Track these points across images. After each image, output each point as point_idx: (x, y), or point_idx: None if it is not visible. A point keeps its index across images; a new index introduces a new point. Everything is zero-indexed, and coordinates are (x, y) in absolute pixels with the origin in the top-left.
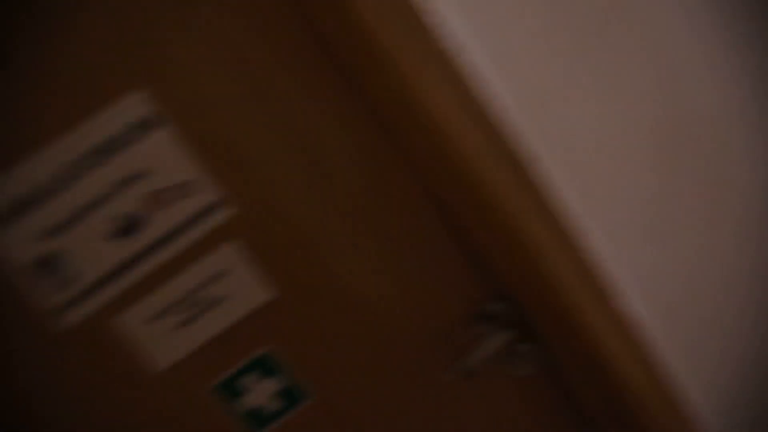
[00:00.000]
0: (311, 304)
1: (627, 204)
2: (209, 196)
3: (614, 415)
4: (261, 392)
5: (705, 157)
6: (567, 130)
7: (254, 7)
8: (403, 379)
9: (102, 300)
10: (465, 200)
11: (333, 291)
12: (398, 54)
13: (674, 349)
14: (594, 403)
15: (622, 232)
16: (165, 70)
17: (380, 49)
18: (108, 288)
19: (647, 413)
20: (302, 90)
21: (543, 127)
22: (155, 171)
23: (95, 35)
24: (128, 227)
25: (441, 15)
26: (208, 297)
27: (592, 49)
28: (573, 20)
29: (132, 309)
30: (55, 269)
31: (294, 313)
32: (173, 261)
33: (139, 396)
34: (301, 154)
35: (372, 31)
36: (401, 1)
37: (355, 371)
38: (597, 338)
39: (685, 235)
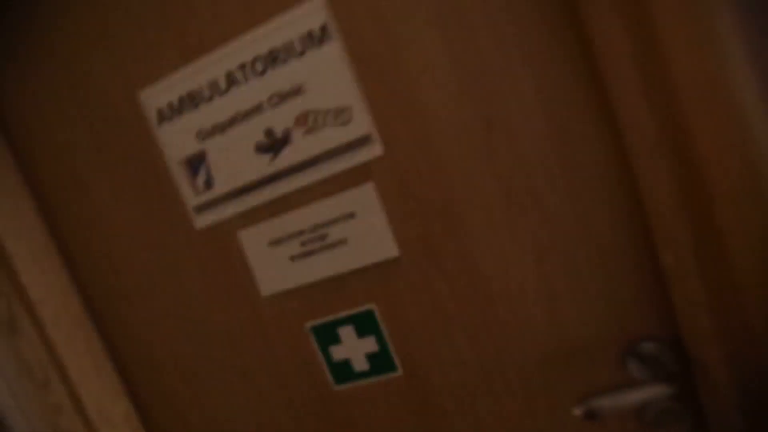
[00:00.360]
0: (436, 278)
1: None
2: (362, 129)
3: None
4: (353, 347)
5: None
6: None
7: None
8: (516, 393)
9: (231, 211)
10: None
11: (466, 271)
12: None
13: None
14: None
15: None
16: None
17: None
18: (239, 201)
19: None
20: (502, 40)
21: None
22: (315, 90)
23: None
24: (274, 144)
25: None
26: (333, 236)
27: None
28: None
29: (255, 228)
30: (197, 172)
31: (414, 280)
32: (308, 189)
33: (241, 314)
34: (478, 110)
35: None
36: None
37: (461, 364)
38: None
39: None
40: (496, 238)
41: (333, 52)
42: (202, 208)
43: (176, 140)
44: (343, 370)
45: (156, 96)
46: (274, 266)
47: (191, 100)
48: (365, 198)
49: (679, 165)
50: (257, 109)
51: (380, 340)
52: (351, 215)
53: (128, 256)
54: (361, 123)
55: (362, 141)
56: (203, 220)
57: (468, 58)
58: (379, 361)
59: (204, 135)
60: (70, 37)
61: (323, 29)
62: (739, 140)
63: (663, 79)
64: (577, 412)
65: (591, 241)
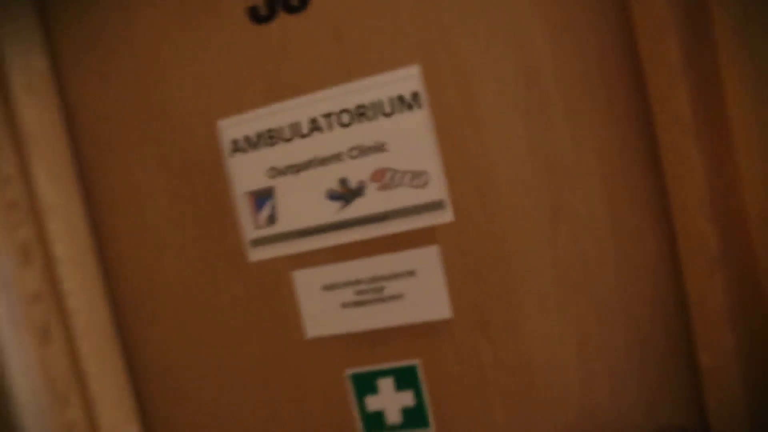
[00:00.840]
0: (482, 344)
1: None
2: (437, 195)
3: None
4: (390, 400)
5: None
6: None
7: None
8: None
9: (289, 250)
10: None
11: (512, 343)
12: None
13: None
14: None
15: None
16: (436, 49)
17: None
18: (300, 241)
19: None
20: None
21: None
22: (396, 149)
23: None
24: (346, 193)
25: None
26: (389, 290)
27: None
28: None
29: (312, 270)
30: (262, 206)
31: (461, 343)
32: (373, 242)
33: (280, 353)
34: (547, 196)
35: None
36: None
37: (493, 429)
38: None
39: None
40: (544, 318)
41: (420, 118)
42: (259, 243)
43: (246, 173)
44: (375, 422)
45: (234, 127)
46: (324, 310)
47: (269, 138)
48: (428, 259)
49: (736, 281)
50: (335, 158)
51: (418, 395)
52: (411, 273)
53: (170, 278)
54: (437, 189)
55: (435, 205)
56: (258, 254)
57: (544, 146)
58: (413, 416)
59: (276, 173)
60: (157, 54)
61: (414, 95)
62: None
63: (731, 194)
64: None
65: (632, 332)
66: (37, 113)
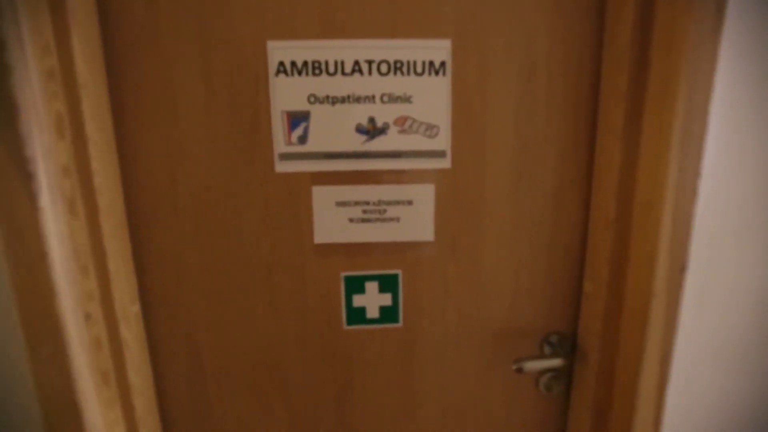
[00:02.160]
0: (450, 262)
1: None
2: (442, 146)
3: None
4: (372, 299)
5: None
6: None
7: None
8: (477, 352)
9: (313, 168)
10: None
11: (472, 264)
12: None
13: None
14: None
15: None
16: (466, 31)
17: None
18: (324, 162)
19: None
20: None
21: None
22: (419, 103)
23: None
24: (372, 130)
25: None
26: (390, 213)
27: None
28: None
29: (330, 187)
30: (296, 127)
31: (435, 260)
32: (385, 173)
33: (288, 252)
34: (515, 163)
35: None
36: None
37: (445, 326)
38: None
39: None
40: (497, 248)
41: (442, 83)
42: (287, 157)
43: (287, 94)
44: (357, 315)
45: (283, 50)
46: (333, 222)
47: (315, 68)
48: (425, 193)
49: (617, 238)
50: (369, 99)
51: (395, 297)
52: (410, 202)
53: (193, 175)
54: (443, 141)
55: (438, 153)
56: (284, 167)
57: (523, 126)
58: (388, 313)
59: (314, 100)
60: None
61: (442, 64)
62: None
63: (631, 184)
64: (514, 367)
65: (548, 265)
66: None
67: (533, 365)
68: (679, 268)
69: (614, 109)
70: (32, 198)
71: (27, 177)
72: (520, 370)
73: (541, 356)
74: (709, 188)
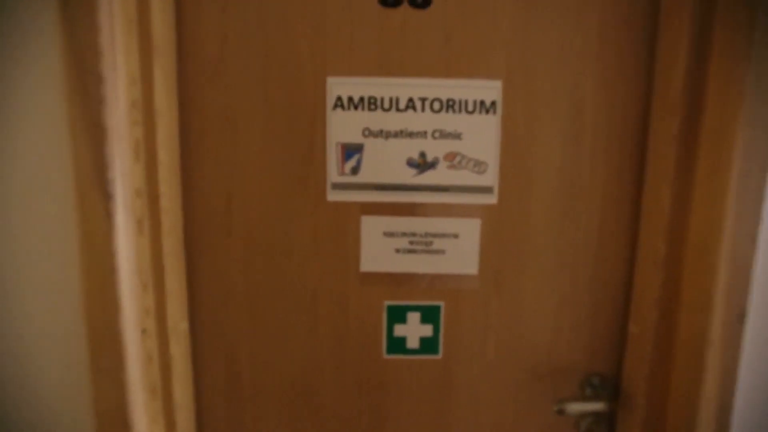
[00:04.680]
0: (493, 297)
1: None
2: (489, 182)
3: None
4: (413, 329)
5: None
6: None
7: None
8: (516, 390)
9: (363, 198)
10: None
11: (514, 302)
12: None
13: None
14: None
15: None
16: (516, 73)
17: None
18: (375, 193)
19: None
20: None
21: None
22: (468, 140)
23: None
24: (422, 164)
25: None
26: (436, 245)
27: None
28: None
29: (379, 217)
30: (349, 158)
31: (477, 294)
32: (433, 206)
33: (333, 279)
34: (563, 206)
35: None
36: None
37: (485, 362)
38: None
39: None
40: (539, 285)
41: (492, 122)
42: (339, 187)
43: (343, 127)
44: (397, 344)
45: (342, 86)
46: (379, 251)
47: (371, 103)
48: (471, 228)
49: (667, 279)
50: (420, 134)
51: (436, 329)
52: (456, 235)
53: (249, 202)
54: (490, 177)
55: (486, 189)
56: (336, 196)
57: (569, 165)
58: (428, 344)
59: (368, 133)
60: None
61: (493, 103)
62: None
63: (682, 229)
64: (555, 408)
65: (591, 304)
66: (162, 22)
67: (576, 408)
68: (737, 316)
69: (665, 152)
70: (109, 216)
71: (107, 197)
72: (561, 412)
73: (585, 398)
74: None
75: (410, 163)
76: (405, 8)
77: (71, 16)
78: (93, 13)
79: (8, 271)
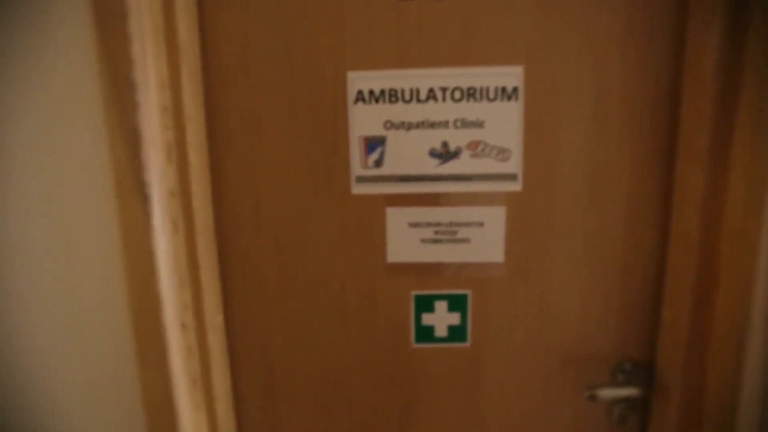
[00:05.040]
0: (519, 285)
1: None
2: (513, 169)
3: None
4: (441, 318)
5: None
6: None
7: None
8: (543, 378)
9: (388, 190)
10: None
11: (541, 287)
12: None
13: None
14: None
15: None
16: (537, 58)
17: None
18: (399, 184)
19: None
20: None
21: None
22: (491, 128)
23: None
24: (445, 154)
25: None
26: (461, 234)
27: None
28: None
29: (403, 208)
30: (372, 151)
31: (504, 281)
32: (457, 195)
33: (361, 270)
34: (586, 189)
35: None
36: None
37: (514, 349)
38: None
39: None
40: (567, 272)
41: (514, 108)
42: (363, 180)
43: (365, 120)
44: (425, 333)
45: (362, 80)
46: (405, 242)
47: (391, 96)
48: (496, 215)
49: (702, 264)
50: (443, 124)
51: (463, 317)
52: (481, 224)
53: (276, 198)
54: (514, 164)
55: (510, 177)
56: (361, 189)
57: (595, 151)
58: (456, 333)
59: (390, 126)
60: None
61: (514, 89)
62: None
63: (716, 213)
64: (587, 393)
65: (621, 290)
66: (186, 28)
67: (608, 393)
68: None
69: (697, 134)
70: (147, 217)
71: (144, 199)
72: (593, 398)
73: (617, 384)
74: None
75: (433, 153)
76: (421, 0)
77: (104, 28)
78: (124, 24)
79: (58, 273)
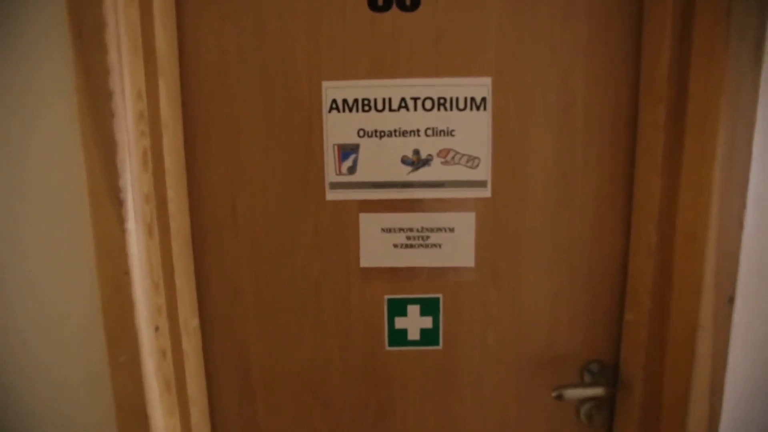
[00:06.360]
0: (490, 288)
1: None
2: (482, 176)
3: None
4: (413, 321)
5: None
6: None
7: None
8: (515, 378)
9: (361, 197)
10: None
11: (512, 290)
12: None
13: None
14: None
15: None
16: (506, 69)
17: None
18: (371, 191)
19: None
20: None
21: None
22: (461, 136)
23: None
24: (417, 161)
25: None
26: (432, 239)
27: None
28: None
29: (376, 214)
30: (346, 158)
31: (475, 285)
32: (428, 201)
33: (336, 275)
34: (555, 197)
35: None
36: None
37: (485, 351)
38: None
39: None
40: (536, 275)
41: (483, 118)
42: (337, 186)
43: (339, 128)
44: (398, 337)
45: (337, 89)
46: (378, 247)
47: (364, 105)
48: (466, 221)
49: (659, 267)
50: (414, 133)
51: (436, 321)
52: (451, 229)
53: (250, 200)
54: (483, 171)
55: (479, 183)
56: (335, 195)
57: (562, 158)
58: (429, 336)
59: (363, 134)
60: (279, 12)
61: (483, 100)
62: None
63: (671, 215)
64: (554, 393)
65: (587, 293)
66: (164, 38)
67: (574, 393)
68: (726, 299)
69: (653, 141)
70: (121, 221)
71: (119, 203)
72: (560, 397)
73: (583, 384)
74: (757, 217)
75: (405, 160)
76: (394, 11)
77: (81, 37)
78: (101, 34)
79: (31, 276)
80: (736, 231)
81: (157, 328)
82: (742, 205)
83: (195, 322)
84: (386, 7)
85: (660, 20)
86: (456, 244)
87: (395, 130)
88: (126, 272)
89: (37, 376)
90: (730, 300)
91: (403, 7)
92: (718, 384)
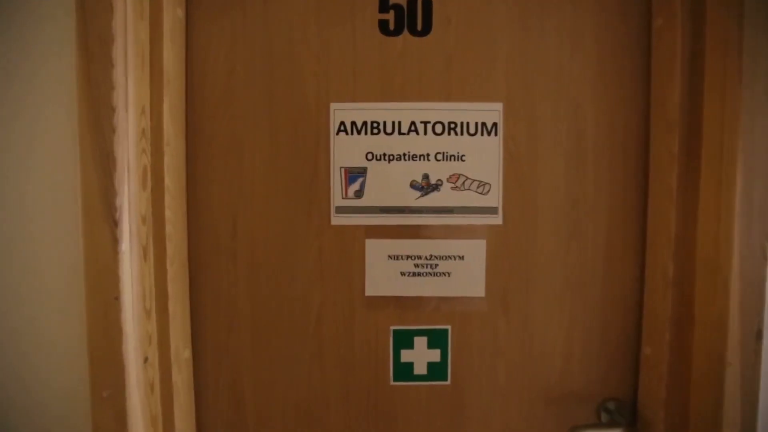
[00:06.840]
0: (501, 320)
1: None
2: (493, 203)
3: None
4: (420, 354)
5: None
6: None
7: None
8: (527, 417)
9: (368, 222)
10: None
11: (522, 323)
12: None
13: None
14: None
15: None
16: (516, 95)
17: None
18: (378, 216)
19: None
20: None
21: None
22: (471, 162)
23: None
24: (426, 186)
25: None
26: (441, 268)
27: None
28: None
29: (383, 240)
30: (353, 181)
31: (485, 317)
32: (437, 228)
33: (339, 303)
34: (567, 225)
35: None
36: None
37: (495, 386)
38: None
39: None
40: (548, 307)
41: (494, 143)
42: (343, 210)
43: (346, 151)
44: (404, 371)
45: (346, 112)
46: (384, 275)
47: (373, 127)
48: (476, 249)
49: (677, 300)
50: (423, 157)
51: (444, 354)
52: (461, 257)
53: (251, 223)
54: (494, 198)
55: (490, 210)
56: (341, 220)
57: (574, 186)
58: (436, 370)
59: (372, 157)
60: (290, 33)
61: (494, 125)
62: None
63: (688, 245)
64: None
65: (602, 326)
66: (173, 55)
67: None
68: (754, 333)
69: (666, 170)
70: (115, 243)
71: (114, 223)
72: None
73: (599, 424)
74: None
75: (414, 185)
76: (405, 36)
77: (88, 51)
78: (108, 48)
79: (14, 294)
80: (760, 260)
81: (146, 359)
82: (765, 234)
83: (187, 352)
84: (397, 31)
85: (670, 49)
86: (466, 273)
87: (404, 154)
88: (116, 297)
89: (11, 407)
90: (759, 334)
91: (414, 32)
92: (750, 426)
